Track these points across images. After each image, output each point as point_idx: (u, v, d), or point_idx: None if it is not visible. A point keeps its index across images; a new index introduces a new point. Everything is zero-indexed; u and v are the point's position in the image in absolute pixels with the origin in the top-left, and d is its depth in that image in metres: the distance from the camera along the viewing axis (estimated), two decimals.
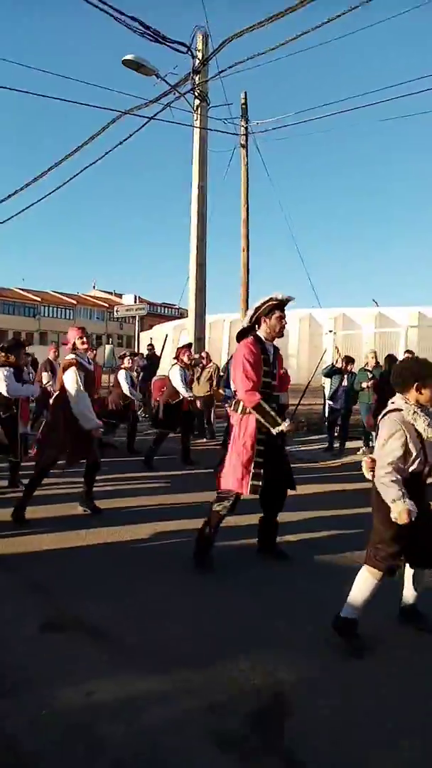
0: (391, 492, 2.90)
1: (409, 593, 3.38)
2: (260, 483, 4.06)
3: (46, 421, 5.70)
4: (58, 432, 5.35)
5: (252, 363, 4.05)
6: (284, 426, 3.98)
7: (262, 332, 4.24)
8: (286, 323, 4.28)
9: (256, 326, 4.28)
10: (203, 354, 12.40)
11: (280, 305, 4.20)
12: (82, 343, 5.54)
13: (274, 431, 4.01)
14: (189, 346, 9.15)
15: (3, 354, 6.30)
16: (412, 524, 2.89)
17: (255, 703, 2.62)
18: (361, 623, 3.13)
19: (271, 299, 4.18)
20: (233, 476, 4.10)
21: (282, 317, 4.21)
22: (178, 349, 8.87)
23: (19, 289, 56.08)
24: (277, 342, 4.35)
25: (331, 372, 9.72)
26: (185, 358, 8.49)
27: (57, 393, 5.63)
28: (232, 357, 6.88)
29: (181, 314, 46.36)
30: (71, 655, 2.98)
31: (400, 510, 2.85)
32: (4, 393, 5.75)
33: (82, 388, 5.30)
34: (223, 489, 4.18)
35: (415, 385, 3.02)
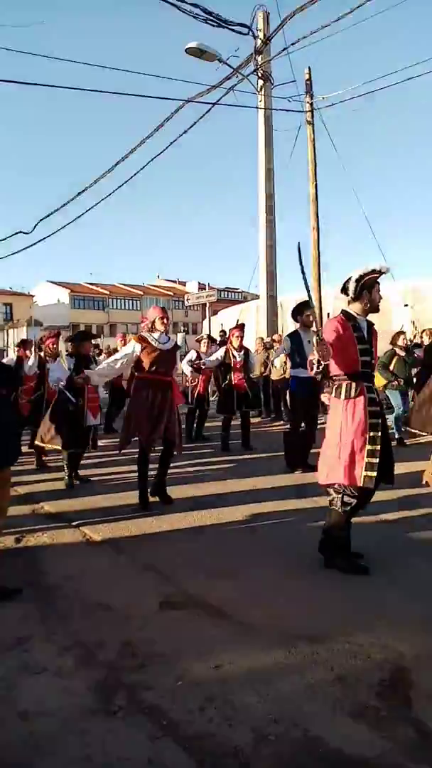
0: None
1: None
2: (375, 474, 3.75)
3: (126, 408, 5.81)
4: (132, 416, 5.46)
5: (333, 344, 3.72)
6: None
7: (355, 307, 3.96)
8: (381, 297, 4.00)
9: (356, 301, 3.94)
10: (276, 336, 12.40)
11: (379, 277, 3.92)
12: (163, 324, 5.51)
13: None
14: (241, 327, 8.91)
15: (72, 345, 6.64)
16: None
17: (379, 674, 2.69)
18: None
19: (373, 270, 3.88)
20: (345, 468, 3.79)
21: (379, 290, 3.94)
22: (230, 330, 8.85)
23: (88, 283, 57.59)
24: None
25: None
26: (234, 340, 8.37)
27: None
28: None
29: (245, 298, 46.26)
30: (194, 631, 3.14)
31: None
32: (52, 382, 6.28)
33: (119, 363, 5.45)
34: (333, 483, 3.91)
35: None
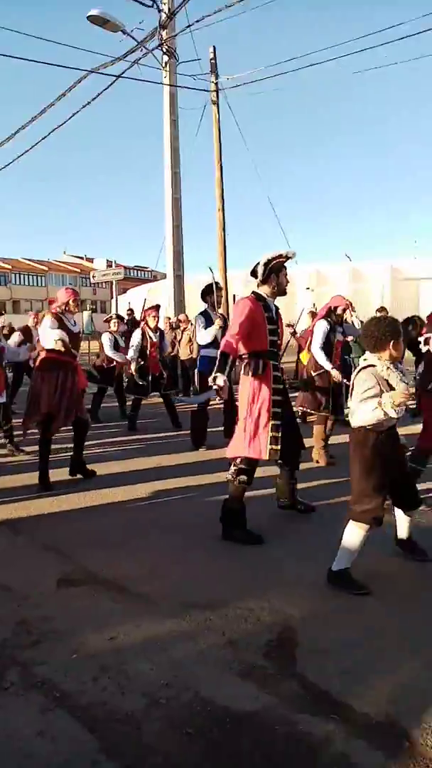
0: (369, 405, 3.08)
1: (402, 531, 3.64)
2: (278, 447, 3.97)
3: (30, 388, 5.65)
4: (42, 396, 5.35)
5: (245, 323, 3.93)
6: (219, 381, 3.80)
7: (264, 290, 4.13)
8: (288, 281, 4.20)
9: (264, 284, 4.11)
10: (182, 317, 12.46)
11: (285, 261, 4.11)
12: (76, 306, 5.48)
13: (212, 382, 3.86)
14: (157, 307, 8.87)
15: None
16: (388, 472, 3.17)
17: (267, 636, 2.85)
18: (360, 563, 3.36)
19: (280, 255, 4.07)
20: (249, 442, 3.98)
21: (286, 274, 4.14)
22: (144, 310, 8.83)
23: None
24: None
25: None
26: (150, 320, 8.36)
27: (39, 358, 5.58)
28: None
29: (155, 277, 45.88)
30: (90, 606, 3.17)
31: (389, 405, 3.02)
32: None
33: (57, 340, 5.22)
34: (237, 457, 4.07)
35: (390, 343, 3.17)
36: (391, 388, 3.14)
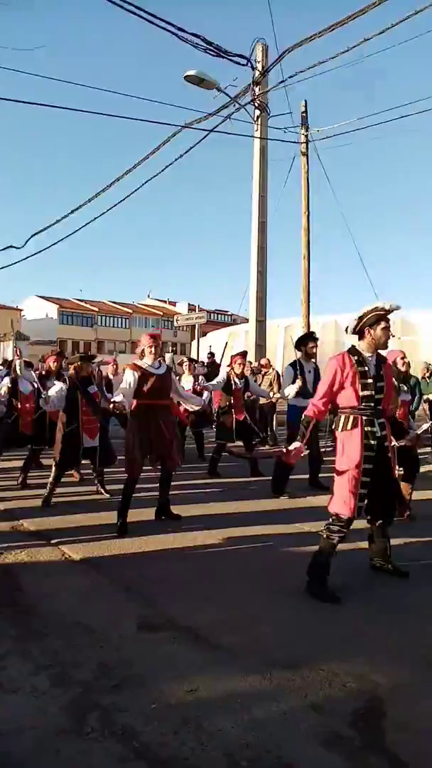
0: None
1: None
2: (363, 504, 3.94)
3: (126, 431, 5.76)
4: (128, 441, 5.45)
5: (330, 383, 3.97)
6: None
7: (363, 343, 4.05)
8: (392, 334, 4.09)
9: (358, 336, 4.09)
10: (263, 361, 12.51)
11: (386, 315, 4.00)
12: (151, 353, 5.53)
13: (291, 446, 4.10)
14: (243, 354, 9.09)
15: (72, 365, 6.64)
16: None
17: (353, 703, 2.70)
18: None
19: (376, 308, 3.99)
20: (340, 498, 3.93)
21: (387, 328, 3.99)
22: (231, 356, 8.97)
23: (77, 299, 57.67)
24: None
25: None
26: (236, 366, 8.40)
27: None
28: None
29: (234, 320, 46.52)
30: (170, 654, 3.14)
31: None
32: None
33: (127, 387, 5.37)
34: (333, 512, 3.99)
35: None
36: None
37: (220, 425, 8.40)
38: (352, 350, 4.07)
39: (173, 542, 5.10)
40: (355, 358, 3.99)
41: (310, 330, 6.44)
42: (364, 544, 4.65)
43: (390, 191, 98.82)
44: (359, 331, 4.05)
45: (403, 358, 5.98)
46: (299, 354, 7.10)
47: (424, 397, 9.59)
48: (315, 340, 7.20)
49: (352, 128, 12.38)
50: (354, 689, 2.83)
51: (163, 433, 5.46)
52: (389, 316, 4.02)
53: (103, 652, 3.14)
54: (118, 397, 5.33)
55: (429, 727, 2.53)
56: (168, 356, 21.63)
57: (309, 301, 13.97)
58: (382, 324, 3.96)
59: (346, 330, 4.17)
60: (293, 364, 6.99)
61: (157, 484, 5.82)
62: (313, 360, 7.12)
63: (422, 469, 8.73)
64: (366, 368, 3.98)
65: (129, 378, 5.47)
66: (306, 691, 2.79)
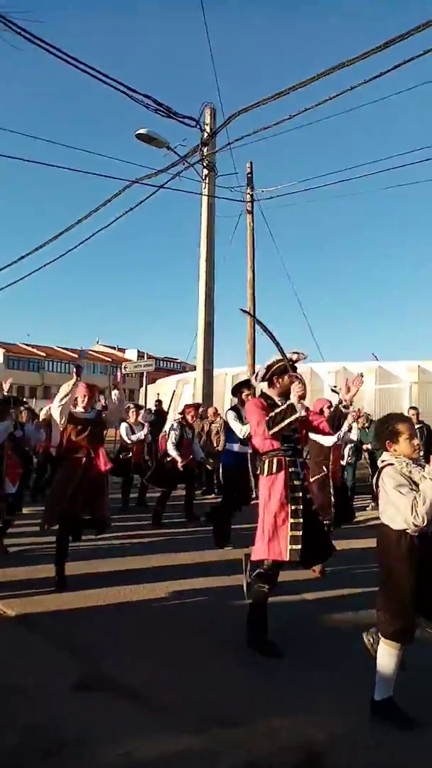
0: (425, 487, 2.88)
1: None
2: (299, 547, 3.82)
3: (54, 479, 5.66)
4: (59, 488, 5.33)
5: (260, 411, 3.97)
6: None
7: (273, 391, 4.17)
8: (299, 381, 4.08)
9: (267, 384, 4.22)
10: (211, 410, 12.58)
11: (292, 365, 4.12)
12: (83, 400, 5.46)
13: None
14: (197, 406, 9.19)
15: None
16: (421, 582, 2.94)
17: (291, 759, 2.68)
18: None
19: (281, 359, 4.11)
20: (268, 543, 3.86)
21: (294, 377, 4.07)
22: (185, 407, 9.02)
23: (25, 344, 56.88)
24: None
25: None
26: (189, 417, 8.48)
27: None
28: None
29: (184, 368, 46.79)
30: (106, 715, 3.04)
31: None
32: None
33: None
34: (259, 560, 3.93)
35: (400, 438, 3.11)
36: (416, 485, 2.99)
37: (163, 473, 8.36)
38: (263, 395, 4.18)
39: (115, 596, 4.98)
40: (269, 402, 4.09)
41: (248, 381, 6.57)
42: (308, 594, 4.70)
43: (332, 248, 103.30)
44: (269, 380, 4.19)
45: (329, 407, 6.16)
46: (235, 401, 7.18)
47: (364, 446, 9.83)
48: (250, 387, 7.30)
49: (294, 190, 13.04)
50: (293, 744, 2.80)
51: (90, 481, 5.31)
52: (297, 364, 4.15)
53: (35, 714, 3.01)
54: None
55: None
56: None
57: (254, 351, 14.27)
58: (288, 372, 4.09)
59: (255, 377, 4.28)
60: (234, 408, 7.06)
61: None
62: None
63: (363, 516, 8.95)
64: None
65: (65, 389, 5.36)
66: (245, 748, 2.75)
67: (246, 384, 6.99)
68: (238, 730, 2.90)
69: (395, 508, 3.00)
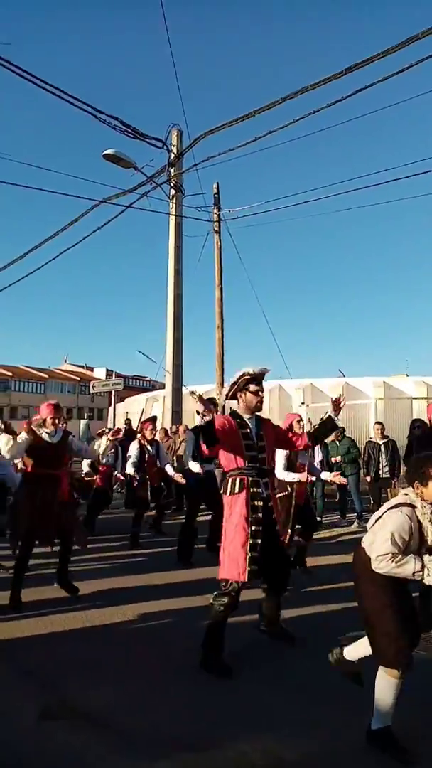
0: (408, 568, 2.82)
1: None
2: (256, 567, 3.84)
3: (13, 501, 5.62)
4: (22, 513, 5.30)
5: (217, 429, 3.94)
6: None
7: (240, 407, 4.22)
8: (262, 396, 4.20)
9: (234, 401, 4.27)
10: (181, 428, 12.56)
11: (256, 379, 4.17)
12: (54, 424, 5.45)
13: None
14: (153, 420, 9.03)
15: None
16: (408, 606, 2.96)
17: None
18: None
19: (245, 374, 4.16)
20: (228, 563, 3.88)
21: (258, 391, 4.16)
22: (141, 423, 8.91)
23: None
24: None
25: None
26: (147, 433, 8.37)
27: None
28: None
29: (153, 386, 46.62)
30: (72, 745, 2.97)
31: None
32: None
33: (10, 451, 5.40)
34: (223, 578, 3.93)
35: (430, 483, 2.92)
36: (421, 535, 2.90)
37: (135, 496, 8.28)
38: (233, 413, 4.22)
39: (76, 622, 4.86)
40: (237, 420, 4.12)
41: (213, 399, 6.60)
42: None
43: (298, 267, 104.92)
44: (233, 396, 4.24)
45: (299, 422, 6.23)
46: (198, 419, 7.18)
47: (332, 459, 9.90)
48: (216, 405, 7.30)
49: (260, 210, 13.24)
50: (259, 767, 2.79)
51: (53, 505, 5.30)
52: (262, 380, 4.22)
53: None
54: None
55: None
56: (83, 423, 21.29)
57: (223, 369, 14.35)
58: (252, 387, 4.15)
59: (224, 396, 4.34)
60: (194, 429, 7.07)
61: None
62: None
63: (332, 533, 9.01)
64: (248, 430, 4.12)
65: (21, 438, 5.40)
66: None
67: (211, 401, 7.00)
68: (207, 755, 2.87)
69: (379, 547, 2.91)
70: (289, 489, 6.00)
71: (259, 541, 3.90)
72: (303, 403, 13.28)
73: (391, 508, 3.04)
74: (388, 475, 9.40)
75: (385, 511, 3.07)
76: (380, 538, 2.92)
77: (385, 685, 2.89)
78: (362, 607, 3.05)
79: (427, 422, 6.44)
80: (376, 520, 3.11)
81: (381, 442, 9.54)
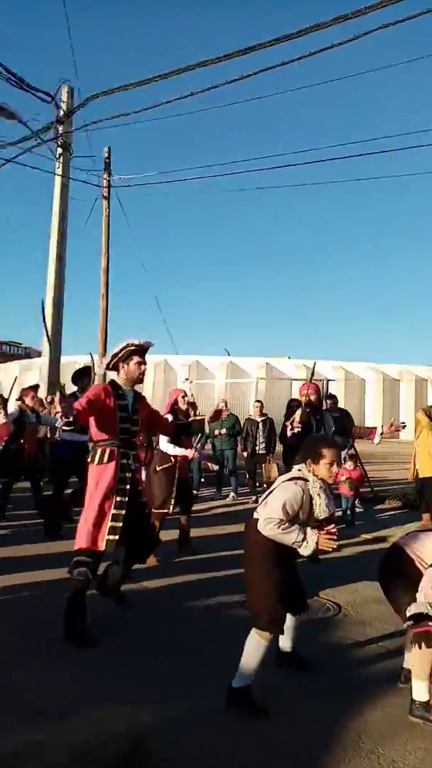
0: (291, 536, 2.99)
1: (287, 642, 3.46)
2: (117, 537, 3.84)
3: None
4: None
5: (91, 399, 3.88)
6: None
7: (120, 378, 4.15)
8: (145, 369, 4.19)
9: (115, 372, 4.20)
10: (57, 399, 12.14)
11: (139, 351, 4.13)
12: None
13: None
14: (35, 387, 8.73)
15: None
16: (284, 577, 3.08)
17: (117, 748, 2.67)
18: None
19: (129, 344, 4.10)
20: (88, 532, 3.85)
21: (141, 363, 4.13)
22: (22, 390, 8.60)
23: None
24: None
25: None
26: (28, 400, 8.05)
27: None
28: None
29: (28, 354, 44.72)
30: None
31: (311, 549, 2.98)
32: None
33: None
34: (79, 548, 3.87)
35: (325, 460, 3.14)
36: (310, 508, 3.11)
37: (7, 464, 7.89)
38: (113, 383, 4.15)
39: None
40: (116, 391, 4.06)
41: (90, 368, 6.43)
42: (149, 583, 4.71)
43: (191, 242, 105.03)
44: (114, 366, 4.16)
45: (183, 397, 6.27)
46: (75, 388, 7.00)
47: (215, 432, 10.15)
48: (90, 375, 7.11)
49: (153, 181, 13.01)
50: (120, 732, 2.79)
51: None
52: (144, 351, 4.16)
53: None
54: None
55: (190, 761, 2.60)
56: None
57: (106, 339, 14.06)
58: (135, 359, 4.09)
59: (104, 365, 4.24)
60: (73, 395, 6.88)
61: None
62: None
63: (208, 505, 9.20)
64: (125, 402, 4.09)
65: None
66: (69, 742, 2.68)
67: (86, 372, 6.81)
68: (63, 725, 2.82)
69: (270, 511, 3.04)
70: (173, 461, 6.03)
71: (124, 512, 3.89)
72: (187, 379, 13.33)
73: (286, 480, 3.22)
74: (264, 452, 9.79)
75: (280, 483, 3.22)
76: (272, 505, 3.08)
77: (255, 645, 3.02)
78: (247, 571, 3.17)
79: (300, 399, 6.70)
80: (269, 493, 3.25)
81: (259, 419, 9.94)
